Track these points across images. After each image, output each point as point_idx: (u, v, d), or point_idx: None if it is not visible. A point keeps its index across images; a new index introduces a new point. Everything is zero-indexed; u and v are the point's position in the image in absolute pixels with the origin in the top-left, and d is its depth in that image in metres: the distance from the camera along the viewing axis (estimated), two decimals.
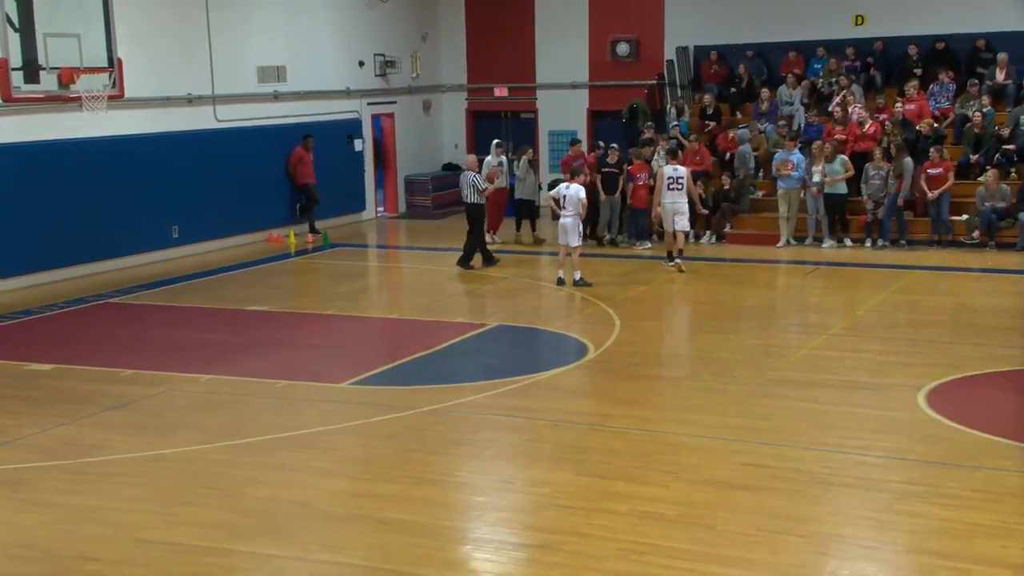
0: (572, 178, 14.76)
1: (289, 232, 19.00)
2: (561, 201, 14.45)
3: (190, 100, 17.70)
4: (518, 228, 18.64)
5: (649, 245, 17.37)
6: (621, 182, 17.40)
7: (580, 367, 10.71)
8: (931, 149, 16.64)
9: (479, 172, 16.37)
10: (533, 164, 18.27)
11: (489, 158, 18.21)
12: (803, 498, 7.26)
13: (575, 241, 14.37)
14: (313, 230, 19.51)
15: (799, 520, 6.89)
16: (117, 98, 14.77)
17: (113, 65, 14.48)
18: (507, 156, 18.06)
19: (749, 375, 10.22)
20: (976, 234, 16.48)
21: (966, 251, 16.31)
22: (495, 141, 18.32)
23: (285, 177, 19.50)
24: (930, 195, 16.53)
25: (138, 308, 14.04)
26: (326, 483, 7.73)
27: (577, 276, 14.39)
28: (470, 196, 16.06)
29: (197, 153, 17.71)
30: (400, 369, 10.84)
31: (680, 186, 15.48)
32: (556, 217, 15.02)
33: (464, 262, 16.06)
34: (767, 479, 7.56)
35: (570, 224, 14.33)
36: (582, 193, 14.35)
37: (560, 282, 14.51)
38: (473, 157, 17.02)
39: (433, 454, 8.31)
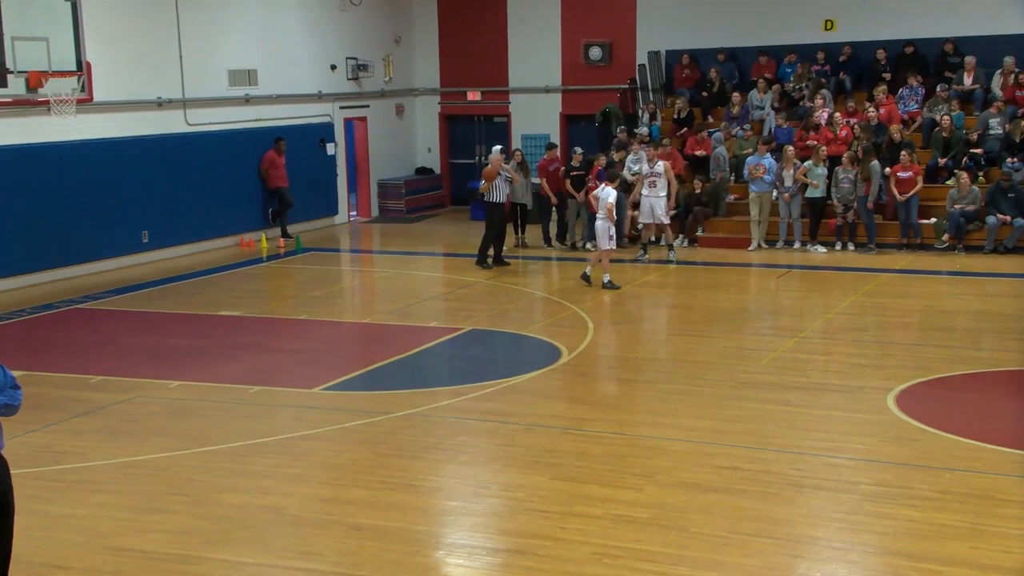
0: (610, 181, 14.81)
1: (261, 236, 18.91)
2: (595, 203, 14.68)
3: (160, 104, 17.59)
4: (516, 232, 18.51)
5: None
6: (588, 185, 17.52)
7: (554, 371, 10.72)
8: (901, 152, 16.81)
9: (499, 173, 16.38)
10: (523, 167, 18.23)
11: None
12: (775, 500, 7.31)
13: (604, 244, 14.47)
14: (285, 234, 19.42)
15: (771, 522, 6.94)
16: (86, 102, 14.68)
17: (82, 69, 14.38)
18: (505, 162, 17.94)
19: (722, 378, 10.28)
20: (945, 237, 16.66)
21: (935, 254, 16.48)
22: (497, 147, 18.17)
23: (257, 181, 19.40)
24: (899, 198, 16.69)
25: (108, 314, 13.92)
26: (299, 489, 7.70)
27: (606, 279, 14.43)
28: (490, 195, 16.15)
29: (167, 157, 17.59)
30: (374, 374, 10.81)
31: (655, 183, 15.74)
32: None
33: (481, 260, 16.22)
34: (740, 481, 7.61)
35: (599, 227, 14.47)
36: (612, 196, 14.42)
37: (585, 278, 14.58)
38: (499, 156, 17.02)
39: (407, 459, 8.30)
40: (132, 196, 16.97)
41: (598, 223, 14.52)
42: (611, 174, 15.26)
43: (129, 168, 16.90)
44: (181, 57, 17.83)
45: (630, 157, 17.94)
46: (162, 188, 17.50)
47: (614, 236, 14.53)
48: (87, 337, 12.72)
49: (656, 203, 16.11)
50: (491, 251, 16.34)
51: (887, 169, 16.87)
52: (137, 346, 12.08)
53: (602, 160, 17.58)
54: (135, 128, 17.09)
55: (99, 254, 16.57)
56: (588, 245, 17.88)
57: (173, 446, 8.60)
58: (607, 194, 14.43)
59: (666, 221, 16.33)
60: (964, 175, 16.63)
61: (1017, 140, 17.17)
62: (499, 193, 16.28)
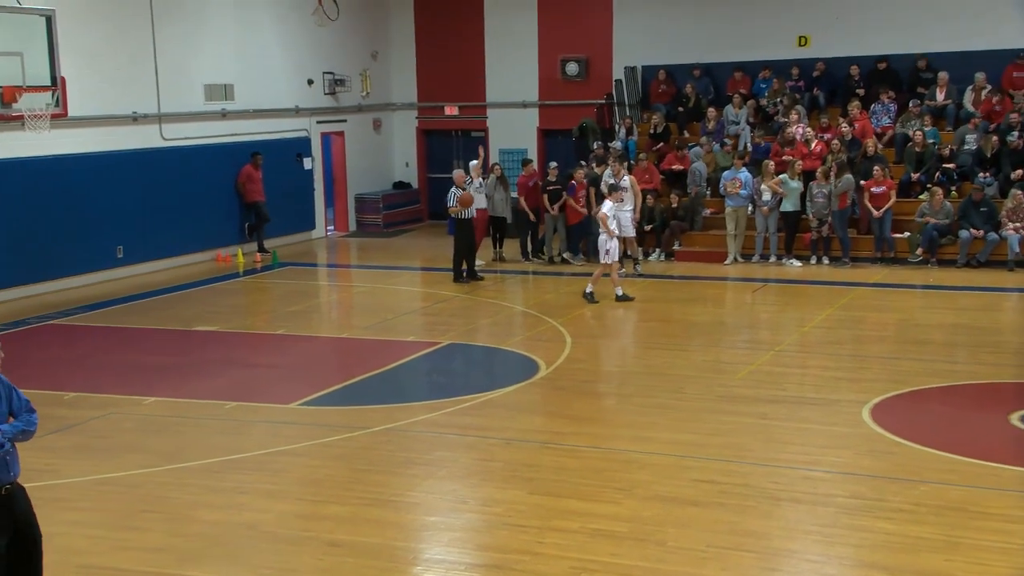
0: (609, 195, 14.87)
1: (238, 251, 18.82)
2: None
3: (135, 119, 17.50)
4: (495, 246, 18.50)
5: (583, 260, 17.71)
6: (563, 199, 17.60)
7: (532, 385, 10.72)
8: (875, 167, 16.96)
9: (462, 188, 16.34)
10: (502, 180, 18.25)
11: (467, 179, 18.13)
12: (752, 513, 7.33)
13: (601, 258, 14.52)
14: (262, 249, 19.35)
15: (748, 535, 6.96)
16: (60, 117, 14.59)
17: (56, 84, 14.30)
18: (482, 177, 17.95)
19: (699, 391, 10.31)
20: (919, 251, 16.81)
21: (909, 268, 16.62)
22: (473, 162, 18.23)
23: (234, 196, 19.33)
24: (875, 213, 16.83)
25: (82, 329, 13.80)
26: (275, 505, 7.65)
27: (588, 288, 14.50)
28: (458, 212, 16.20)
29: (142, 172, 17.49)
30: (351, 389, 10.77)
31: (622, 197, 15.89)
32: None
33: (457, 276, 16.22)
34: (717, 495, 7.62)
35: (600, 240, 14.53)
36: (606, 207, 14.49)
37: (591, 297, 14.51)
38: (460, 172, 16.98)
39: (385, 474, 8.27)
40: (107, 211, 16.86)
41: (601, 237, 14.57)
42: (611, 186, 15.30)
43: (104, 183, 16.80)
44: (157, 72, 17.77)
45: (607, 172, 18.02)
46: (137, 203, 17.40)
47: (611, 251, 14.48)
48: (61, 353, 12.60)
49: (623, 217, 16.15)
50: (464, 265, 16.34)
51: (862, 182, 17.01)
52: (111, 362, 11.99)
53: (579, 174, 17.64)
54: (110, 143, 16.99)
55: (73, 269, 16.44)
56: (565, 256, 17.95)
57: (147, 463, 8.53)
58: (606, 209, 14.49)
59: (632, 235, 16.42)
60: (937, 190, 16.79)
61: (989, 155, 17.37)
62: (467, 210, 16.24)
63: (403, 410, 9.89)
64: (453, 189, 16.27)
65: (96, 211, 16.68)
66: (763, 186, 17.29)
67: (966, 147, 17.68)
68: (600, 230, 14.61)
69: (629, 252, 16.77)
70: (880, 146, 18.04)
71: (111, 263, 17.11)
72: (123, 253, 17.30)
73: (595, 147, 19.60)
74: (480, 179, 17.77)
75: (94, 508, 7.64)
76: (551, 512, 7.38)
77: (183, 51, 18.36)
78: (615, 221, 14.62)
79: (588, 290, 14.52)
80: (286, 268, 18.38)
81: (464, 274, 16.29)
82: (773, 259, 17.36)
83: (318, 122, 21.76)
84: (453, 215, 16.33)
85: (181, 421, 9.73)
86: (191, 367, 11.68)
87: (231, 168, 19.23)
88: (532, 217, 18.03)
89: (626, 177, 16.52)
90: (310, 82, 21.46)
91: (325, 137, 22.23)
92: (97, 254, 16.82)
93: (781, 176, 17.19)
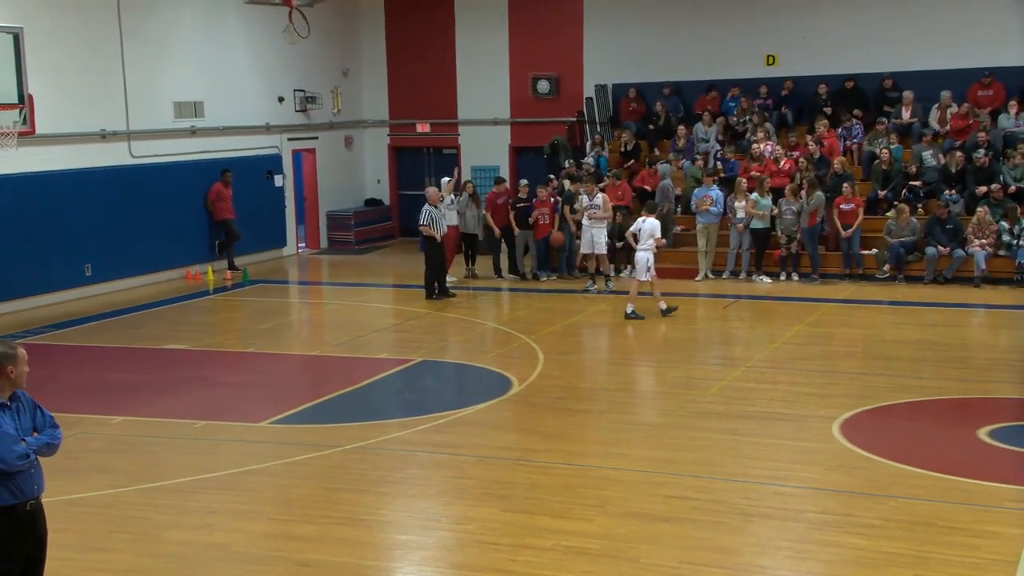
0: (649, 213, 14.85)
1: (208, 269, 18.71)
2: (638, 235, 14.57)
3: (104, 136, 17.39)
4: (468, 262, 18.49)
5: (555, 277, 17.80)
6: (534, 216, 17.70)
7: (504, 402, 10.72)
8: (843, 185, 17.15)
9: (435, 205, 16.30)
10: (474, 198, 18.28)
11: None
12: (724, 529, 7.36)
13: (642, 275, 14.45)
14: (232, 266, 19.24)
15: (720, 551, 6.98)
16: (28, 134, 14.47)
17: (24, 101, 14.18)
18: (454, 194, 17.96)
19: (671, 407, 10.35)
20: (886, 268, 16.99)
21: (877, 284, 16.79)
22: (444, 179, 18.24)
23: (203, 213, 19.22)
24: (843, 233, 16.99)
25: (49, 348, 13.64)
26: (246, 525, 7.59)
27: (629, 309, 14.44)
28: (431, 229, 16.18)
29: (111, 190, 17.36)
30: (323, 407, 10.72)
31: (595, 214, 16.14)
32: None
33: (429, 293, 16.21)
34: (689, 511, 7.65)
35: (639, 257, 14.45)
36: (658, 228, 14.45)
37: (634, 315, 14.43)
38: (434, 190, 16.98)
39: (357, 493, 8.23)
40: (75, 229, 16.71)
41: (639, 254, 14.46)
42: (650, 205, 15.32)
43: (72, 201, 16.66)
44: (125, 89, 17.67)
45: (582, 188, 18.08)
46: (106, 221, 17.26)
47: (652, 267, 14.45)
48: (28, 372, 12.41)
49: (597, 234, 16.36)
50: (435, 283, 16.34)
51: (836, 199, 17.18)
52: (79, 381, 11.86)
53: (543, 192, 17.72)
54: (78, 160, 16.86)
55: (41, 288, 16.27)
56: (537, 273, 17.97)
57: (116, 483, 8.44)
58: (650, 225, 14.42)
59: (603, 252, 16.51)
60: (903, 207, 17.00)
61: (953, 171, 17.62)
62: (438, 226, 16.24)
63: (375, 428, 9.85)
64: (426, 206, 16.26)
65: (64, 229, 16.53)
66: (736, 204, 17.41)
67: (929, 164, 17.92)
68: (639, 247, 14.47)
69: (601, 269, 16.86)
70: (853, 163, 18.28)
71: (79, 281, 16.95)
72: (91, 271, 17.15)
73: (567, 164, 19.69)
74: (452, 196, 17.80)
75: (64, 529, 7.52)
76: (524, 529, 7.37)
77: (152, 68, 18.28)
78: (648, 238, 14.43)
79: (629, 310, 14.42)
80: (257, 286, 18.28)
81: (436, 291, 16.28)
82: (743, 275, 17.48)
83: (289, 139, 21.71)
84: (424, 233, 16.31)
85: (150, 440, 9.63)
86: (160, 386, 11.58)
87: (201, 185, 19.13)
88: (497, 234, 18.05)
89: (599, 195, 16.67)
90: (281, 99, 21.43)
91: (296, 154, 22.17)
92: (65, 272, 16.66)
93: (752, 195, 17.31)
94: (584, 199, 16.68)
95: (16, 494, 5.28)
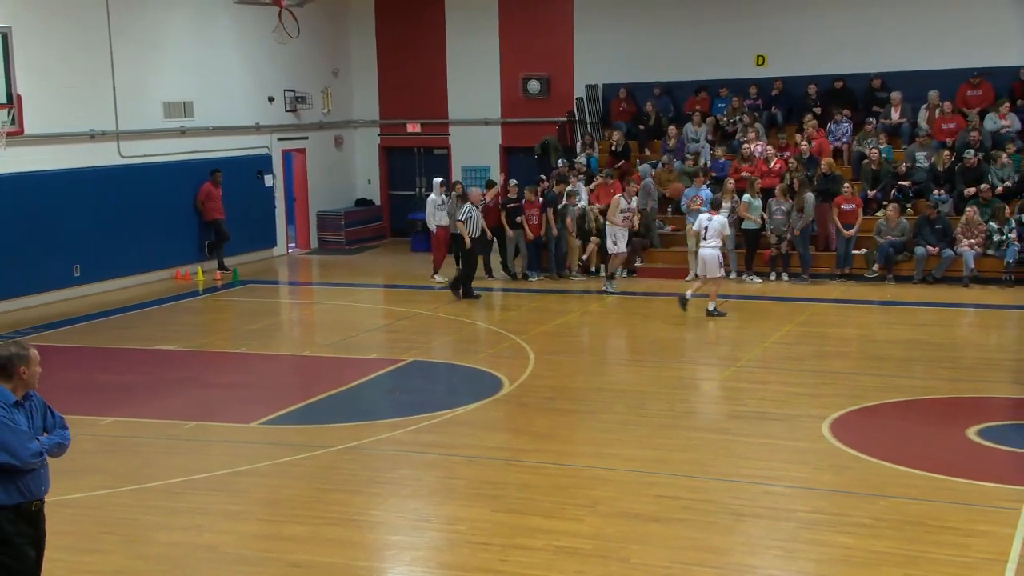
0: (715, 209, 14.83)
1: (197, 269, 18.65)
2: (703, 232, 14.51)
3: (93, 136, 17.32)
4: (458, 263, 18.43)
5: (544, 277, 17.81)
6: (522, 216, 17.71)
7: (495, 402, 10.72)
8: (844, 185, 17.24)
9: (477, 205, 16.43)
10: (464, 199, 18.23)
11: (432, 196, 18.08)
12: (715, 529, 7.37)
13: (714, 272, 14.37)
14: (222, 267, 19.19)
15: (711, 551, 6.99)
16: (16, 135, 14.44)
17: (12, 101, 14.15)
18: (446, 194, 17.98)
19: (661, 407, 10.36)
20: (875, 267, 17.04)
21: (866, 284, 16.84)
22: (438, 179, 18.23)
23: (193, 213, 19.17)
24: (846, 233, 17.03)
25: (39, 349, 13.52)
26: (236, 526, 7.57)
27: (711, 307, 14.39)
28: (469, 228, 16.24)
29: (100, 190, 17.29)
30: (313, 407, 10.70)
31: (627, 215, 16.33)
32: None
33: (461, 291, 16.14)
34: (680, 511, 7.66)
35: (708, 255, 14.35)
36: (727, 225, 14.40)
37: (683, 302, 14.39)
38: (477, 190, 16.91)
39: (347, 493, 8.21)
40: (64, 229, 16.64)
41: (706, 251, 14.37)
42: (715, 202, 15.29)
43: (61, 201, 16.59)
44: (115, 89, 17.60)
45: (568, 188, 18.11)
46: (95, 221, 17.19)
47: (722, 264, 14.43)
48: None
49: (621, 234, 16.36)
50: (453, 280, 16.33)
51: (838, 198, 17.24)
52: (68, 382, 11.80)
53: (530, 193, 17.73)
54: (67, 161, 16.78)
55: (29, 288, 16.20)
56: (527, 273, 17.95)
57: (106, 484, 8.41)
58: (718, 223, 14.38)
59: (624, 251, 16.63)
60: (893, 207, 17.05)
61: (941, 171, 17.68)
62: (474, 227, 16.27)
63: (366, 428, 9.84)
64: (467, 205, 16.32)
65: (53, 229, 16.46)
66: (724, 204, 17.41)
67: (918, 164, 17.98)
68: (706, 245, 14.37)
69: (612, 270, 16.76)
70: (843, 163, 18.32)
71: (68, 282, 16.89)
72: (80, 272, 17.08)
73: (559, 164, 19.70)
74: (444, 197, 17.80)
75: (53, 531, 7.43)
76: (515, 530, 7.37)
77: (141, 68, 18.22)
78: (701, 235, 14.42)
79: (711, 307, 14.39)
80: (247, 286, 18.24)
81: (463, 291, 16.16)
82: (733, 275, 17.50)
83: (279, 139, 21.67)
84: (459, 230, 16.29)
85: (140, 441, 9.60)
86: (150, 386, 11.54)
87: (190, 186, 19.07)
88: (489, 236, 18.02)
89: (621, 198, 16.54)
90: (271, 99, 21.38)
91: (286, 154, 22.13)
92: (54, 273, 16.59)
93: (744, 198, 17.32)
94: (622, 202, 16.39)
95: (25, 493, 5.32)
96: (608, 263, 16.81)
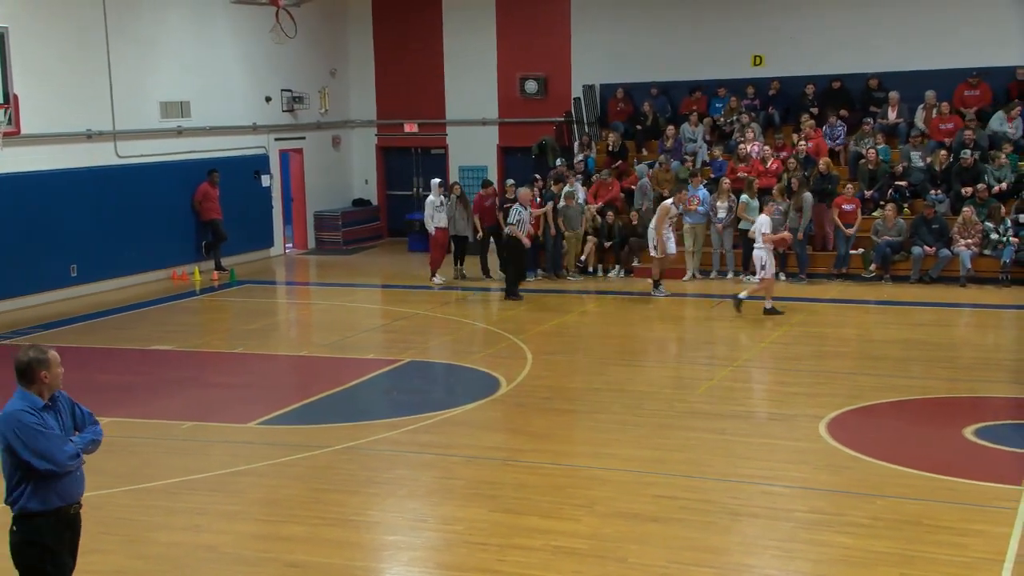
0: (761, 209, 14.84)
1: (194, 269, 18.64)
2: (754, 234, 14.60)
3: (90, 136, 17.31)
4: (456, 263, 18.43)
5: (542, 276, 17.85)
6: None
7: (493, 402, 10.72)
8: (847, 186, 17.28)
9: (526, 207, 16.42)
10: (462, 200, 18.24)
11: (431, 197, 18.04)
12: (712, 529, 7.38)
13: (769, 271, 14.40)
14: (219, 267, 19.18)
15: (708, 551, 7.00)
16: (13, 134, 14.44)
17: (9, 101, 14.15)
18: (445, 195, 17.98)
19: (659, 407, 10.37)
20: (872, 267, 17.06)
21: (863, 284, 16.85)
22: (436, 180, 18.24)
23: (190, 213, 19.16)
24: (846, 232, 17.05)
25: None
26: (234, 526, 7.57)
27: (768, 305, 14.40)
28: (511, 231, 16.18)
29: (97, 190, 17.28)
30: (311, 407, 10.70)
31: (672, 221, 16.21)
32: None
33: (513, 293, 16.09)
34: (677, 510, 7.67)
35: (756, 256, 14.46)
36: (766, 225, 14.41)
37: (738, 303, 14.47)
38: (526, 190, 16.93)
39: (345, 493, 8.22)
40: (61, 229, 16.63)
41: (755, 252, 14.46)
42: (763, 201, 15.25)
43: (58, 201, 16.57)
44: (111, 89, 17.59)
45: (566, 189, 18.12)
46: (92, 221, 17.18)
47: (767, 264, 14.41)
48: (13, 374, 12.36)
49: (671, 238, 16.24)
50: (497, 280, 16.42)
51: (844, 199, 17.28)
52: (67, 381, 11.69)
53: (525, 192, 17.72)
54: (64, 161, 16.78)
55: (26, 289, 16.19)
56: (528, 275, 17.94)
57: (105, 484, 8.38)
58: (761, 222, 14.43)
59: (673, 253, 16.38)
60: (890, 207, 17.07)
61: (938, 171, 17.69)
62: (523, 228, 16.26)
63: (363, 428, 9.84)
64: (516, 206, 16.31)
65: (50, 229, 16.44)
66: (719, 204, 17.46)
67: (915, 164, 18.00)
68: (756, 245, 14.47)
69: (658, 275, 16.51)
70: (839, 164, 18.34)
71: (65, 282, 16.87)
72: (77, 272, 17.07)
73: (557, 164, 19.70)
74: (443, 198, 17.80)
75: None
76: (512, 530, 7.37)
77: (138, 68, 18.20)
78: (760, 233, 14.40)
79: (768, 306, 14.38)
80: (244, 286, 18.23)
81: (514, 292, 16.13)
82: (731, 275, 17.52)
83: (276, 139, 21.66)
84: (511, 233, 16.20)
85: (139, 441, 9.60)
86: (148, 387, 11.54)
87: (187, 186, 19.06)
88: (480, 235, 18.03)
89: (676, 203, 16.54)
90: (268, 99, 21.38)
91: (283, 154, 22.12)
92: (51, 273, 16.58)
93: (743, 198, 17.32)
94: (672, 209, 16.18)
95: (64, 496, 5.29)
96: (653, 268, 16.31)
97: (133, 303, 16.57)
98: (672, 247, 16.29)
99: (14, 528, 5.27)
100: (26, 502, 5.18)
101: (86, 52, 17.20)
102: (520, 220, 16.21)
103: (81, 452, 5.32)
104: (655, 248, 16.21)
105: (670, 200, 16.41)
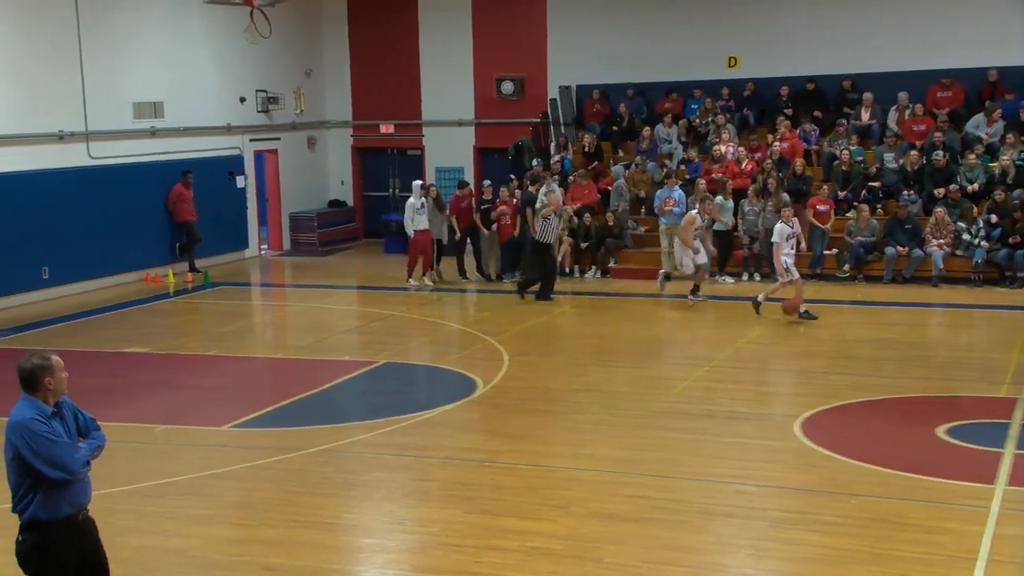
0: (776, 212, 14.80)
1: (168, 271, 18.51)
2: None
3: (61, 137, 17.15)
4: (433, 264, 18.37)
5: (519, 277, 17.77)
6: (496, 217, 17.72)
7: (469, 403, 10.71)
8: (823, 187, 17.37)
9: (558, 212, 16.45)
10: (438, 202, 18.20)
11: (411, 199, 17.94)
12: (686, 528, 7.40)
13: (793, 275, 14.27)
14: (193, 269, 19.06)
15: (683, 551, 7.02)
16: None
17: None
18: (426, 197, 17.92)
19: (635, 407, 10.39)
20: (846, 267, 17.17)
21: (837, 284, 16.96)
22: (417, 182, 18.19)
23: (164, 215, 19.02)
24: (824, 227, 17.16)
25: (5, 352, 13.41)
26: (206, 530, 7.52)
27: (802, 310, 14.27)
28: (541, 235, 16.06)
29: (69, 191, 17.12)
30: (286, 410, 10.65)
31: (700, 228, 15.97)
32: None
33: (544, 295, 15.93)
34: (652, 510, 7.69)
35: (780, 262, 14.32)
36: (784, 231, 14.34)
37: (807, 315, 14.27)
38: (557, 195, 16.83)
39: (320, 496, 8.18)
40: (32, 231, 16.45)
41: (782, 259, 14.31)
42: (777, 204, 15.14)
43: (29, 202, 16.41)
44: (84, 89, 17.44)
45: (543, 189, 18.12)
46: (63, 222, 17.01)
47: (789, 267, 14.33)
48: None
49: (697, 245, 15.87)
50: (506, 284, 16.46)
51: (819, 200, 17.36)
52: None
53: (504, 191, 17.76)
54: (35, 161, 16.62)
55: None
56: (505, 277, 17.93)
57: None
58: (777, 230, 14.37)
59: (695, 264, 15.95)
60: (863, 207, 17.19)
61: (910, 172, 17.83)
62: (549, 233, 16.19)
63: (339, 430, 9.80)
64: (550, 213, 16.20)
65: (21, 231, 16.27)
66: (697, 205, 17.49)
67: (888, 165, 18.13)
68: (784, 252, 14.32)
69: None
70: (812, 165, 18.45)
71: (36, 284, 16.71)
72: (49, 274, 16.90)
73: (534, 165, 19.71)
74: (423, 200, 17.76)
75: None
76: (489, 531, 7.37)
77: (111, 68, 18.05)
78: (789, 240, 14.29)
79: (802, 310, 14.26)
80: (218, 288, 18.12)
81: (539, 294, 15.98)
82: (722, 278, 17.54)
83: (251, 140, 21.55)
84: (544, 240, 16.13)
85: (111, 445, 9.39)
86: (121, 390, 11.44)
87: (161, 187, 18.93)
88: (459, 236, 18.02)
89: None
90: (242, 100, 21.26)
91: (258, 155, 22.00)
92: (22, 275, 16.40)
93: (717, 199, 17.36)
94: (698, 219, 15.79)
95: (74, 504, 5.24)
96: (696, 277, 15.90)
97: (106, 306, 16.43)
98: (699, 260, 15.77)
99: (21, 537, 5.21)
100: (36, 510, 5.13)
101: (58, 52, 17.05)
102: (550, 229, 16.07)
103: (89, 459, 5.27)
104: (681, 264, 15.87)
105: (695, 210, 16.01)
